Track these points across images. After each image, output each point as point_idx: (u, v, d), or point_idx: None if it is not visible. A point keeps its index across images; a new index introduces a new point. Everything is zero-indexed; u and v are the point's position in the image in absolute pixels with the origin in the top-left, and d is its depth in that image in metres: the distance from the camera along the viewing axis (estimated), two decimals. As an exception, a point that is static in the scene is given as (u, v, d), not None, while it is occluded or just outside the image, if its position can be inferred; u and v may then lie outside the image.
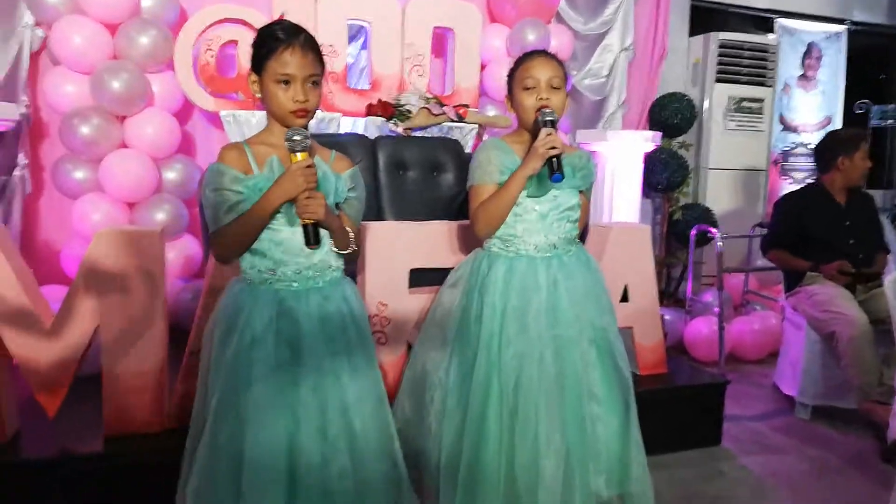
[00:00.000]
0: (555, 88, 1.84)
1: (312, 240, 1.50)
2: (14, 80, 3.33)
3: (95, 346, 2.07)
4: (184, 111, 3.56)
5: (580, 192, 1.94)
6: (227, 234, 1.52)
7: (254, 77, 1.58)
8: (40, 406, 2.05)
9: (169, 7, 3.37)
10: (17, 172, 3.38)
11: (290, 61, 1.51)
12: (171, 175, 3.41)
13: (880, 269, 3.07)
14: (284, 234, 1.56)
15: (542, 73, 1.83)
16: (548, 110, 1.80)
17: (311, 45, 1.55)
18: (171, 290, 3.20)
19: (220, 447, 1.53)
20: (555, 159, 1.76)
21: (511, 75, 1.91)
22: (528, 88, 1.84)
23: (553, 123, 1.78)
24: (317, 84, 1.56)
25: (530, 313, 1.83)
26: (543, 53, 1.89)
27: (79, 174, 3.26)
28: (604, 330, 1.90)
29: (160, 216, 3.29)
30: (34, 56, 3.38)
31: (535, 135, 1.82)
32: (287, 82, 1.52)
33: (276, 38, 1.52)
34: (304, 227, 1.50)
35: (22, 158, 3.38)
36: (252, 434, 1.50)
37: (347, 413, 1.58)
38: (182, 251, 3.42)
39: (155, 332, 2.07)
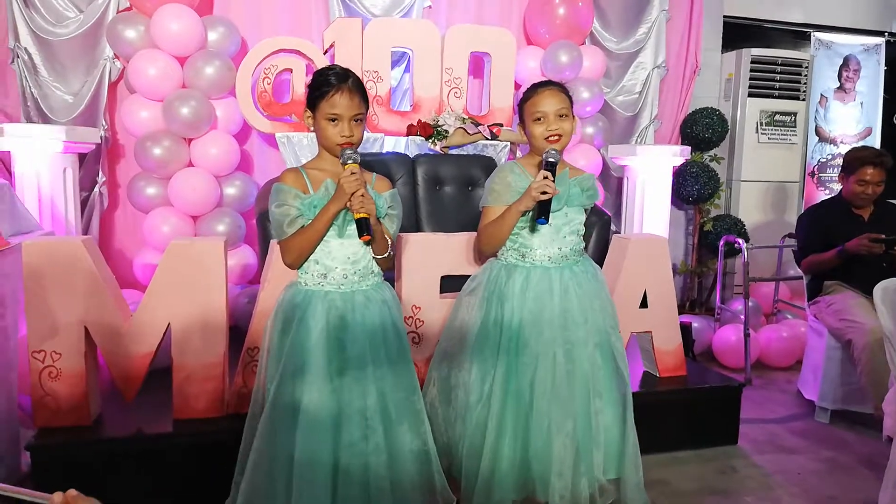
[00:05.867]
0: (562, 117, 2.03)
1: (365, 231, 1.76)
2: (95, 107, 3.75)
3: (166, 342, 2.38)
4: (243, 133, 3.92)
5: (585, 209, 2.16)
6: (294, 243, 1.81)
7: (308, 113, 1.87)
8: (119, 393, 2.37)
9: (231, 40, 3.73)
10: (96, 189, 3.79)
11: (338, 103, 1.79)
12: (230, 191, 3.76)
13: None
14: (333, 245, 1.84)
15: (549, 105, 2.01)
16: (552, 151, 1.97)
17: (357, 88, 1.82)
18: (230, 294, 3.52)
19: (276, 429, 1.79)
20: (545, 203, 1.92)
21: (521, 106, 2.09)
22: (537, 120, 2.03)
23: (553, 166, 1.95)
24: (360, 121, 1.84)
25: (545, 318, 2.03)
26: (550, 85, 2.06)
27: (150, 190, 3.64)
28: (607, 333, 2.10)
29: (221, 228, 3.63)
30: (112, 86, 3.79)
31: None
32: (335, 120, 1.80)
33: (328, 82, 1.80)
34: (358, 221, 1.76)
35: (101, 176, 3.80)
36: (303, 417, 1.76)
37: (384, 397, 1.84)
38: (240, 260, 3.76)
39: (217, 330, 2.37)
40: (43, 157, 3.24)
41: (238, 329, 2.91)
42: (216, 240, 2.42)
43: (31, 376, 2.26)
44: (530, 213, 2.02)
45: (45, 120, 3.66)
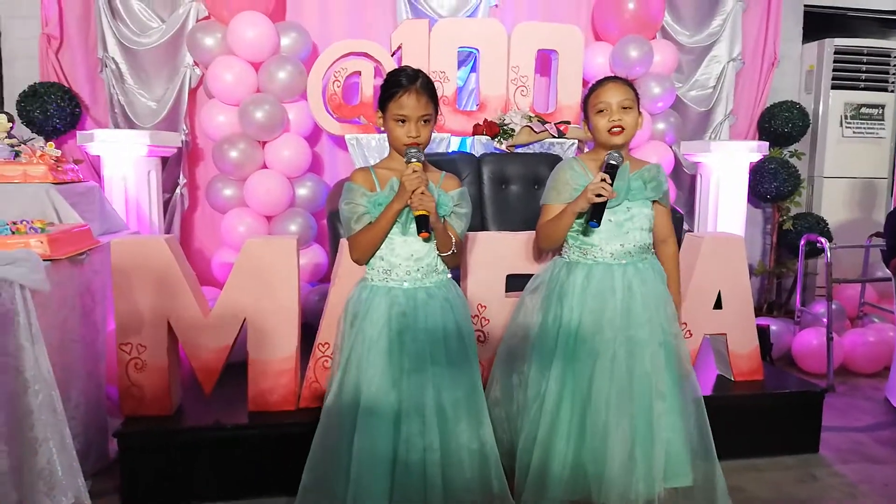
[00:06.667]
0: (626, 108, 1.99)
1: (423, 228, 1.79)
2: (176, 112, 3.94)
3: (242, 337, 2.47)
4: (314, 135, 4.02)
5: (657, 202, 2.11)
6: (360, 239, 1.87)
7: (379, 114, 1.91)
8: (199, 385, 2.48)
9: (303, 45, 3.84)
10: (177, 191, 3.98)
11: (405, 104, 1.82)
12: (302, 191, 3.87)
13: None
14: (397, 242, 1.88)
15: (612, 96, 1.98)
16: (615, 154, 1.95)
17: (425, 89, 1.84)
18: (301, 292, 3.62)
19: (339, 419, 1.85)
20: (599, 206, 1.90)
21: (586, 100, 2.07)
22: (600, 112, 2.00)
23: (613, 168, 1.93)
24: (428, 122, 1.86)
25: (606, 315, 1.99)
26: (613, 79, 2.04)
27: (227, 192, 3.79)
28: (672, 334, 2.04)
29: (293, 228, 3.74)
30: (192, 92, 3.97)
31: None
32: (403, 121, 1.83)
33: (397, 83, 1.83)
34: (417, 218, 1.80)
35: (182, 179, 3.98)
36: (364, 409, 1.80)
37: (440, 395, 1.85)
38: (311, 259, 3.85)
39: (290, 326, 2.44)
40: (129, 161, 3.42)
41: (309, 326, 2.97)
42: (289, 239, 2.49)
43: (118, 368, 2.39)
44: (585, 214, 1.99)
45: (131, 125, 3.87)
